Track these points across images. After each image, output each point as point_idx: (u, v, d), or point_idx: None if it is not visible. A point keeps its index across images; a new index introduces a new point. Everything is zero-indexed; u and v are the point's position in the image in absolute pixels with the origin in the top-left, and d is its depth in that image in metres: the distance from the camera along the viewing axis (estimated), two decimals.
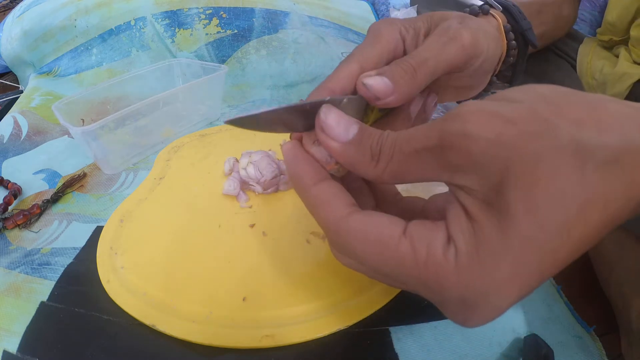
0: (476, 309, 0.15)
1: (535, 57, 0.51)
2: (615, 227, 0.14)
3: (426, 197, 0.24)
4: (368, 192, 0.24)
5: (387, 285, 0.19)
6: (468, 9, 0.33)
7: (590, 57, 0.49)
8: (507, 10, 0.34)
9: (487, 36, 0.26)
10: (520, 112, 0.15)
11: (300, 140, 0.21)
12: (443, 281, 0.15)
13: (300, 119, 0.20)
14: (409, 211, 0.23)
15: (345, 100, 0.20)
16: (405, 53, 0.25)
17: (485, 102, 0.16)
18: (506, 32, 0.32)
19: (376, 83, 0.20)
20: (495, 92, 0.33)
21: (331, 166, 0.20)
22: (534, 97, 0.15)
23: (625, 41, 0.46)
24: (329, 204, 0.18)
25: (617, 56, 0.46)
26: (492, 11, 0.33)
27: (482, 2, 0.34)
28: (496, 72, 0.33)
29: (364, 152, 0.18)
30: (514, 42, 0.32)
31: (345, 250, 0.18)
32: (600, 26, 0.49)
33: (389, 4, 0.78)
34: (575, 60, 0.50)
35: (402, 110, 0.24)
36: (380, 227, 0.17)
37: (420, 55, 0.22)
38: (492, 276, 0.14)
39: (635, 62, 0.44)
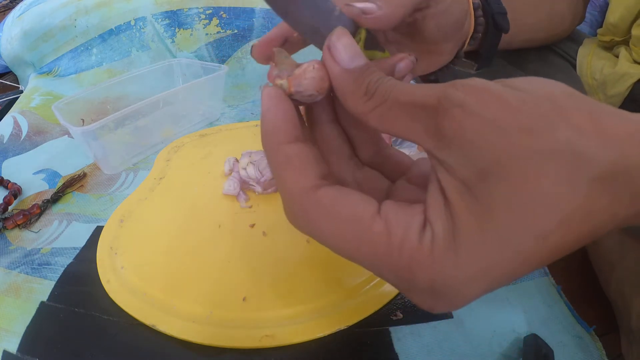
0: (443, 298, 0.15)
1: (536, 58, 0.51)
2: (596, 238, 0.14)
3: None
4: (343, 135, 0.22)
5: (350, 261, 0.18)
6: None
7: (590, 58, 0.49)
8: None
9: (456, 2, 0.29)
10: (523, 102, 0.14)
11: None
12: (415, 268, 0.15)
13: (309, 22, 0.19)
14: (393, 166, 0.22)
15: (337, 10, 0.19)
16: None
17: (492, 82, 0.15)
18: (475, 9, 0.33)
19: (364, 5, 0.22)
20: (460, 70, 0.35)
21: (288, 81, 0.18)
22: (541, 91, 0.15)
23: (626, 41, 0.46)
24: (299, 169, 0.17)
25: (617, 56, 0.46)
26: None
27: None
28: (464, 47, 0.34)
29: (360, 85, 0.17)
30: (481, 18, 0.34)
31: (309, 227, 0.17)
32: (600, 26, 0.49)
33: None
34: (574, 59, 0.50)
35: (389, 64, 0.24)
36: (352, 205, 0.16)
37: None
38: (464, 268, 0.14)
39: (635, 62, 0.44)
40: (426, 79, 0.36)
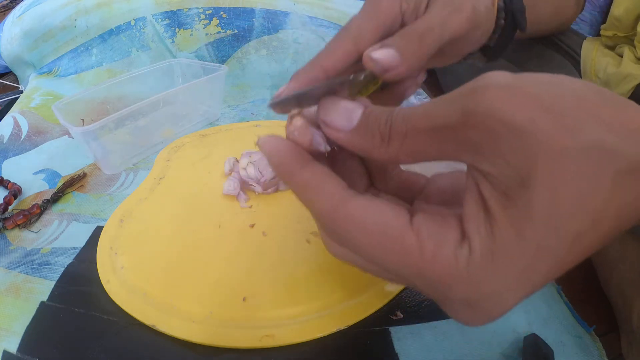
0: (479, 310, 0.15)
1: (535, 56, 0.51)
2: (620, 233, 0.14)
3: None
4: (360, 167, 0.22)
5: (382, 278, 0.18)
6: None
7: (594, 53, 0.48)
8: None
9: (486, 10, 0.27)
10: (556, 99, 0.13)
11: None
12: (450, 281, 0.15)
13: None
14: (408, 189, 0.22)
15: (352, 77, 0.19)
16: (402, 26, 0.25)
17: (515, 76, 0.14)
18: (498, 11, 0.32)
19: (384, 56, 0.21)
20: (469, 61, 0.34)
21: (312, 146, 0.18)
22: (567, 87, 0.14)
23: (629, 38, 0.46)
24: (322, 188, 0.17)
25: (620, 55, 0.46)
26: None
27: None
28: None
29: (372, 135, 0.16)
30: (502, 21, 0.32)
31: (342, 240, 0.17)
32: (600, 27, 0.49)
33: None
34: (578, 55, 0.50)
35: (395, 87, 0.24)
36: (383, 216, 0.16)
37: (426, 24, 0.22)
38: (503, 280, 0.14)
39: (639, 60, 0.44)
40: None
